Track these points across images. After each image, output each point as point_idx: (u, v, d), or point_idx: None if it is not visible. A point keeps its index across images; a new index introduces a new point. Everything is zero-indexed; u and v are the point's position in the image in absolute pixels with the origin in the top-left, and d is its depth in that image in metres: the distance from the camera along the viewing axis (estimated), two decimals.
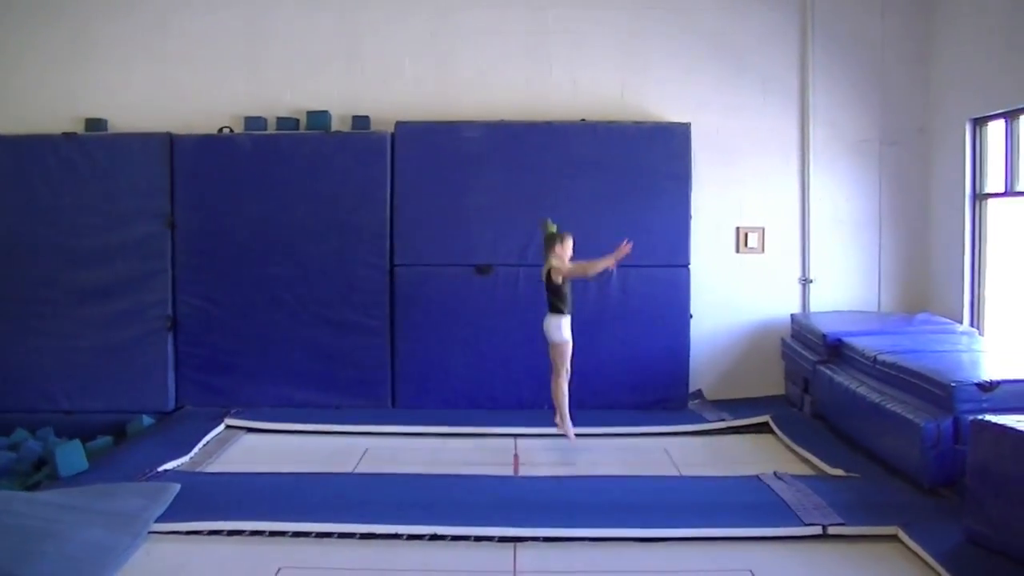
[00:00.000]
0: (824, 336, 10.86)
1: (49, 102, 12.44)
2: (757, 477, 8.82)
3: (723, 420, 11.29)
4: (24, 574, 6.47)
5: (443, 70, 12.53)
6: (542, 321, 10.18)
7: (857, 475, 8.91)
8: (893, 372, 9.21)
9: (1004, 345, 10.38)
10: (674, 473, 9.62)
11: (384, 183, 11.98)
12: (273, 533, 7.61)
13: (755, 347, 12.55)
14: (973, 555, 6.91)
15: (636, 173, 11.89)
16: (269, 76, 12.49)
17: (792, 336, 12.09)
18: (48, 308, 11.99)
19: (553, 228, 10.16)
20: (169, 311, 12.01)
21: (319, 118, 12.24)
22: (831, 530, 7.50)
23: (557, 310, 10.07)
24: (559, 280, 9.99)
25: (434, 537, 7.53)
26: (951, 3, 11.86)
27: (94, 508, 7.77)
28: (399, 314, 12.02)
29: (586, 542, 7.48)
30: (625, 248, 9.90)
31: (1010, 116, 10.69)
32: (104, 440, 11.01)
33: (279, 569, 7.00)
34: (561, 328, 10.09)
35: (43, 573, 6.53)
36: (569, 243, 10.06)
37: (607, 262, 9.98)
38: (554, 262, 9.96)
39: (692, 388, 12.24)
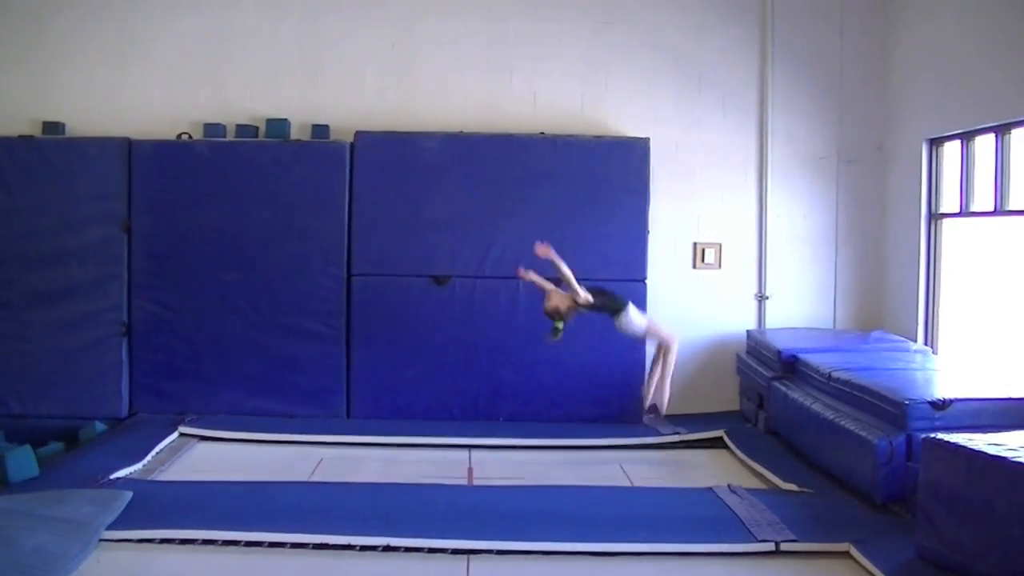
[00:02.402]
0: (779, 352, 10.92)
1: (6, 104, 12.34)
2: (711, 490, 8.85)
3: (678, 434, 11.32)
4: None
5: (403, 80, 12.53)
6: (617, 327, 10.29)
7: (810, 490, 8.95)
8: (847, 389, 9.26)
9: (957, 364, 10.44)
10: (628, 486, 9.63)
11: (343, 192, 11.96)
12: (226, 542, 7.57)
13: (710, 362, 12.58)
14: (924, 572, 6.95)
15: (595, 187, 11.92)
16: (229, 83, 12.45)
17: (747, 352, 12.13)
18: (1, 311, 11.88)
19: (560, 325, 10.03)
20: (124, 316, 11.94)
21: (278, 126, 12.21)
22: (784, 546, 7.52)
23: (614, 312, 10.12)
24: (585, 302, 9.94)
25: (387, 548, 7.50)
26: (910, 24, 11.94)
27: (44, 514, 7.71)
28: (356, 323, 11.99)
29: (540, 555, 7.47)
30: (542, 249, 9.94)
31: (966, 137, 10.76)
32: (56, 446, 10.92)
33: None
34: (632, 322, 10.15)
35: None
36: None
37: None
38: (574, 296, 9.94)
39: (647, 403, 12.22)
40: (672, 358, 10.43)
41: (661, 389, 10.47)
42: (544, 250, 9.84)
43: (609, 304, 10.09)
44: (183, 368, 11.99)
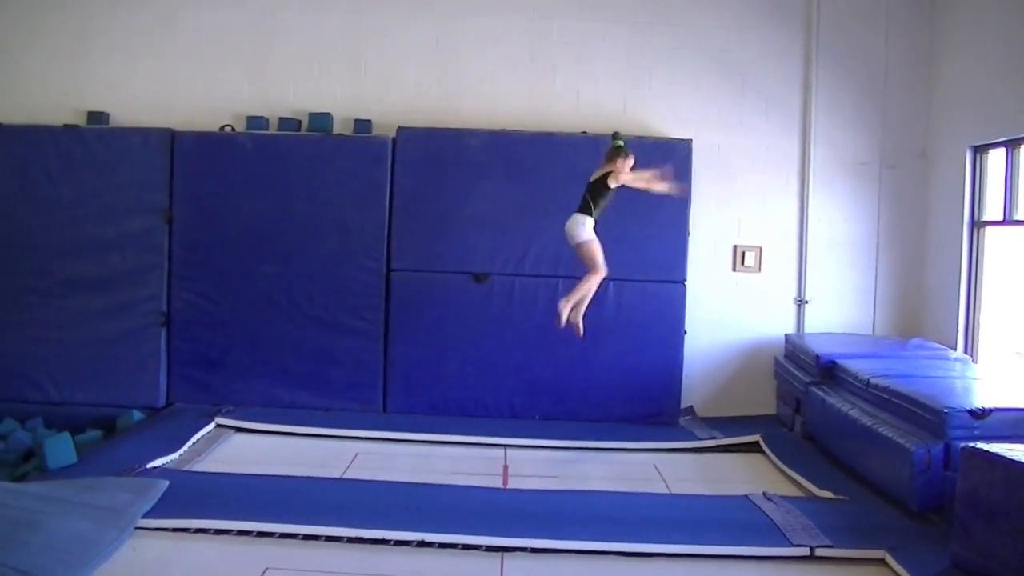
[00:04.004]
0: (817, 357, 10.85)
1: (52, 93, 12.44)
2: (746, 497, 8.80)
3: (714, 438, 11.28)
4: (7, 561, 6.45)
5: (446, 77, 12.54)
6: (564, 223, 10.26)
7: (846, 498, 8.89)
8: (885, 396, 9.19)
9: (997, 373, 10.36)
10: (663, 489, 9.60)
11: (384, 187, 11.97)
12: (260, 534, 7.59)
13: (748, 366, 12.54)
14: None
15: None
16: (273, 76, 12.50)
17: (785, 356, 12.08)
18: (42, 299, 11.97)
19: (621, 142, 10.23)
20: (163, 306, 12.00)
21: (321, 120, 12.24)
22: (819, 552, 7.48)
23: (586, 210, 10.14)
24: (613, 185, 10.07)
25: (422, 544, 7.51)
26: (955, 29, 11.87)
27: (80, 501, 7.75)
28: (393, 319, 12.01)
29: (573, 554, 7.46)
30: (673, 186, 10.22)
31: (1011, 145, 10.69)
32: (93, 434, 10.97)
33: (265, 570, 6.98)
34: (585, 225, 10.13)
35: (26, 562, 6.49)
36: (630, 162, 10.20)
37: (668, 187, 10.27)
38: (618, 168, 10.10)
39: (684, 404, 12.23)
40: (593, 288, 10.35)
41: (578, 310, 10.38)
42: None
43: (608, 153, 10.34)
44: (221, 359, 12.04)
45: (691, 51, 12.48)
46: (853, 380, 10.01)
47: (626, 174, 10.11)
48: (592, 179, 10.22)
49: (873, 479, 9.01)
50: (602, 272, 10.21)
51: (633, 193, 11.50)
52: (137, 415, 11.47)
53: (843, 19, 12.47)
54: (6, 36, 12.56)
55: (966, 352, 11.36)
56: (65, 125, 12.15)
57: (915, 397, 8.67)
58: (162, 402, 11.97)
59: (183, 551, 7.32)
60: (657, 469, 10.28)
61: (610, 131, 11.48)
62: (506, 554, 7.43)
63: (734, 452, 11.05)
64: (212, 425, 11.07)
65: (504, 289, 11.95)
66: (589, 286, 10.25)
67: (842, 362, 10.54)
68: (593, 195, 10.12)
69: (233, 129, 12.29)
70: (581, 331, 10.39)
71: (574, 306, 10.31)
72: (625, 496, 9.03)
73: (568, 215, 10.25)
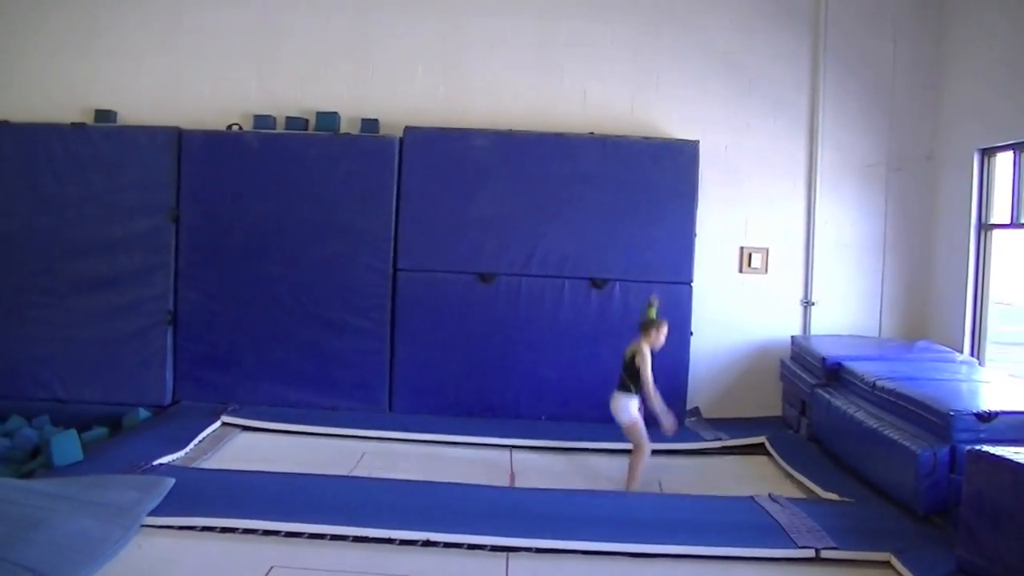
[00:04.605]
0: (823, 359, 10.85)
1: (59, 91, 12.47)
2: (751, 498, 8.80)
3: (719, 440, 11.27)
4: (12, 558, 6.47)
5: (453, 77, 12.55)
6: (610, 400, 9.91)
7: (851, 500, 8.89)
8: (891, 399, 9.19)
9: (1004, 376, 10.35)
10: (668, 490, 9.63)
11: (390, 187, 11.98)
12: (266, 532, 7.61)
13: (754, 367, 12.54)
14: None
15: (643, 188, 11.88)
16: (280, 75, 12.52)
17: (791, 358, 12.07)
18: (49, 297, 12.00)
19: (654, 312, 10.03)
20: (170, 305, 12.01)
21: (328, 119, 12.26)
22: (824, 554, 7.49)
23: (626, 388, 9.80)
24: (642, 362, 9.77)
25: (427, 543, 7.52)
26: (963, 31, 11.87)
27: (86, 499, 7.77)
28: (400, 319, 12.01)
29: (578, 555, 7.48)
30: (671, 425, 9.81)
31: (1019, 148, 10.68)
32: (100, 431, 10.99)
33: (271, 568, 7.00)
34: (629, 408, 9.79)
35: (32, 560, 6.51)
36: (664, 331, 9.88)
37: (661, 411, 9.72)
38: (644, 349, 9.74)
39: (690, 405, 12.24)
40: (641, 465, 9.84)
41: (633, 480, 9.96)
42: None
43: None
44: (227, 358, 12.06)
45: (698, 53, 12.48)
46: (859, 382, 10.01)
47: (647, 362, 9.70)
48: (627, 357, 9.87)
49: (879, 481, 9.01)
50: (647, 450, 9.88)
51: (638, 195, 11.55)
52: (143, 413, 11.47)
53: (851, 22, 12.46)
54: (14, 34, 12.58)
55: (972, 355, 11.35)
56: (72, 123, 12.16)
57: (921, 400, 8.68)
58: (168, 400, 11.99)
59: (189, 549, 7.34)
60: (663, 472, 10.27)
61: (617, 132, 11.53)
62: (511, 554, 7.44)
63: (739, 454, 11.05)
64: (218, 423, 11.09)
65: (510, 289, 11.95)
66: (637, 464, 9.86)
67: (848, 364, 10.53)
68: (629, 372, 9.81)
69: (240, 128, 12.30)
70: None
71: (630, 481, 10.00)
72: (630, 497, 9.08)
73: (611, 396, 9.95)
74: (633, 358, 9.75)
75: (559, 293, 11.83)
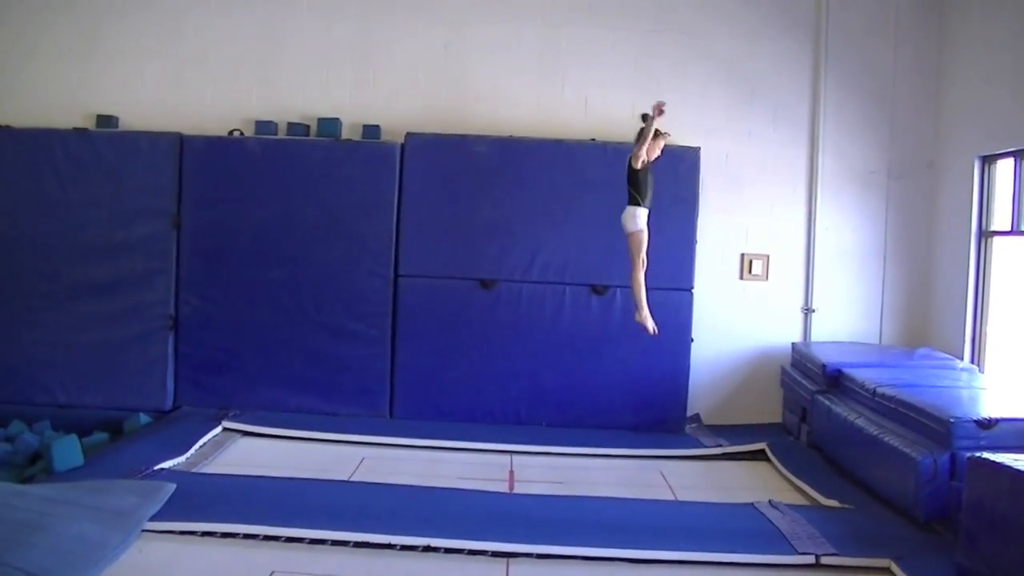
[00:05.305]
0: (824, 366, 10.86)
1: (61, 97, 12.47)
2: (752, 505, 8.81)
3: (720, 446, 11.28)
4: (13, 563, 6.46)
5: (455, 83, 12.56)
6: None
7: (852, 507, 8.90)
8: (892, 405, 9.19)
9: (1004, 383, 10.35)
10: (669, 496, 9.62)
11: (392, 193, 11.98)
12: (267, 537, 7.61)
13: (754, 374, 12.54)
14: None
15: None
16: (282, 81, 12.53)
17: (792, 365, 12.08)
18: (50, 302, 11.99)
19: (653, 123, 10.08)
20: (171, 310, 12.01)
21: (330, 125, 12.27)
22: (824, 560, 7.50)
23: (633, 200, 10.06)
24: (637, 166, 10.01)
25: (427, 549, 7.53)
26: (964, 39, 11.88)
27: (87, 503, 7.77)
28: (401, 324, 12.02)
29: (578, 560, 7.48)
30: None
31: (1019, 155, 10.67)
32: (100, 436, 10.99)
33: (272, 573, 7.01)
34: (637, 217, 10.06)
35: (32, 564, 6.50)
36: (661, 143, 10.24)
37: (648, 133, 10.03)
38: (635, 150, 10.03)
39: (690, 412, 12.24)
40: (640, 283, 10.23)
41: (642, 308, 10.29)
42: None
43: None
44: (228, 363, 12.06)
45: (700, 59, 12.50)
46: (859, 389, 10.02)
47: (641, 151, 10.02)
48: (626, 167, 10.17)
49: (879, 488, 9.01)
50: (639, 267, 10.12)
51: None
52: (144, 418, 11.50)
53: (852, 29, 12.48)
54: (16, 39, 12.59)
55: (973, 362, 11.35)
56: (74, 129, 12.17)
57: (921, 407, 8.68)
58: (169, 405, 11.99)
59: (189, 554, 7.34)
60: (663, 476, 10.29)
61: (618, 139, 11.53)
62: (512, 560, 7.44)
63: (740, 460, 11.06)
64: (219, 428, 11.10)
65: (511, 296, 11.96)
66: (636, 283, 10.18)
67: (849, 371, 10.55)
68: (629, 182, 10.09)
69: (242, 133, 12.31)
70: (653, 327, 10.33)
71: (640, 306, 10.26)
72: (631, 503, 9.02)
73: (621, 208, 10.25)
74: (630, 165, 10.02)
75: (560, 299, 11.84)
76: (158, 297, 12.00)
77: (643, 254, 10.16)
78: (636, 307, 10.31)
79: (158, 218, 11.99)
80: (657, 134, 10.12)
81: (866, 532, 8.11)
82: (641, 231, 10.09)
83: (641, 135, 10.09)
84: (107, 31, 12.53)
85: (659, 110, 9.95)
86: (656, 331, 10.29)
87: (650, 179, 10.15)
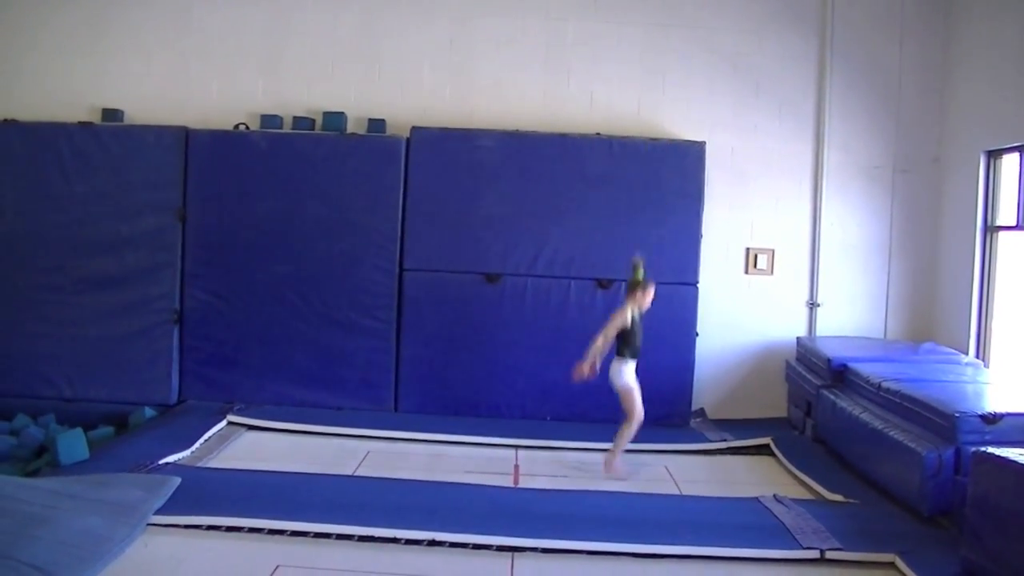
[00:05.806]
0: (829, 361, 10.85)
1: (66, 90, 12.48)
2: (756, 499, 8.82)
3: (724, 440, 11.29)
4: (18, 556, 6.47)
5: (460, 77, 12.56)
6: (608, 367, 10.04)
7: (856, 501, 8.90)
8: (897, 400, 9.18)
9: (1009, 378, 10.34)
10: (674, 491, 9.61)
11: (397, 187, 11.99)
12: (272, 531, 7.63)
13: (759, 368, 12.54)
14: None
15: (649, 189, 11.89)
16: (287, 75, 12.53)
17: (797, 359, 12.07)
18: (55, 296, 12.00)
19: (640, 274, 10.00)
20: (176, 304, 12.02)
21: (335, 119, 12.26)
22: (829, 555, 7.50)
23: (619, 353, 9.97)
24: (629, 326, 9.91)
25: (432, 543, 7.53)
26: (969, 34, 11.86)
27: (92, 497, 7.78)
28: (406, 318, 12.02)
29: (584, 555, 7.49)
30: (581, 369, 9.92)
31: None
32: (105, 430, 11.02)
33: (277, 567, 7.01)
34: (623, 373, 9.96)
35: (37, 558, 6.51)
36: (650, 293, 10.03)
37: (590, 355, 9.92)
38: (625, 307, 9.93)
39: (695, 406, 12.25)
40: (630, 435, 10.07)
41: (614, 453, 10.10)
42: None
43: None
44: (233, 357, 12.07)
45: (705, 54, 12.49)
46: (864, 384, 10.01)
47: (619, 318, 9.91)
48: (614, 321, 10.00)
49: (884, 483, 9.01)
50: (637, 419, 10.03)
51: (644, 196, 11.56)
52: (149, 412, 11.50)
53: (858, 24, 12.47)
54: (22, 33, 12.59)
55: (978, 357, 11.34)
56: (80, 122, 12.18)
57: (926, 401, 8.67)
58: (174, 399, 12.00)
59: (194, 548, 7.35)
60: (668, 471, 10.30)
61: (623, 132, 11.54)
62: (516, 554, 7.45)
63: (745, 454, 11.07)
64: (224, 422, 11.11)
65: (516, 290, 11.96)
66: (625, 432, 10.05)
67: (853, 365, 10.54)
68: (620, 336, 9.95)
69: (247, 127, 12.31)
70: (619, 473, 10.03)
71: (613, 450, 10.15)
72: (635, 497, 9.05)
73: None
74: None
75: (565, 293, 11.84)
76: (163, 291, 12.01)
77: (637, 408, 10.03)
78: (612, 452, 10.11)
79: (163, 212, 11.99)
80: (647, 285, 10.01)
81: (871, 527, 8.11)
82: (630, 387, 9.98)
83: (632, 288, 10.01)
84: (112, 25, 12.53)
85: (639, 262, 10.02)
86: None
87: (639, 328, 10.04)
